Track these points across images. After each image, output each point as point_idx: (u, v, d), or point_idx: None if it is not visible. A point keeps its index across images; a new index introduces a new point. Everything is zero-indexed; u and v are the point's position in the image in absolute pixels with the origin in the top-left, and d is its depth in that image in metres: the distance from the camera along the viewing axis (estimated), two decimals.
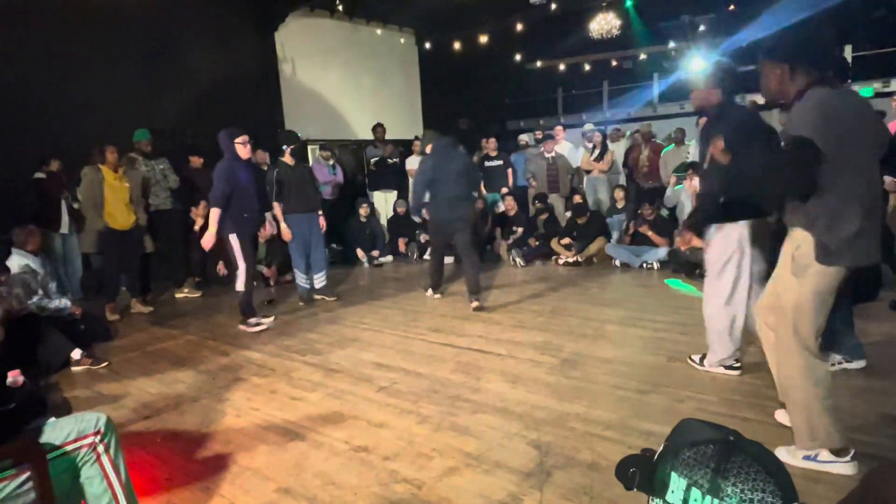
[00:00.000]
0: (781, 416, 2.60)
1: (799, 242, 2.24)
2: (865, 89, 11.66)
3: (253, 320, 4.91)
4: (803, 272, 2.23)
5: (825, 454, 2.27)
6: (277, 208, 5.56)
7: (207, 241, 4.73)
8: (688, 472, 0.87)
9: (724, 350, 3.30)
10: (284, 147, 5.67)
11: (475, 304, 5.19)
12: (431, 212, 5.48)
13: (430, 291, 5.90)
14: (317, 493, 2.33)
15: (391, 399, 3.27)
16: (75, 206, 6.02)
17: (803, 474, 2.24)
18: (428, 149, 5.57)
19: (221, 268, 6.66)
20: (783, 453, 2.33)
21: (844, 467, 2.25)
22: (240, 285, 4.88)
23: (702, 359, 3.45)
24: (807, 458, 2.29)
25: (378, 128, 8.93)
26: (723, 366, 3.35)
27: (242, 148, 4.83)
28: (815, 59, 2.19)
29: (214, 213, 4.71)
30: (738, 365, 3.33)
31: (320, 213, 5.80)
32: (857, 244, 2.14)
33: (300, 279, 5.79)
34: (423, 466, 2.49)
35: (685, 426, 0.94)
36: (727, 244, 3.14)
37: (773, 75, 2.26)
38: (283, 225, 5.57)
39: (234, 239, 4.80)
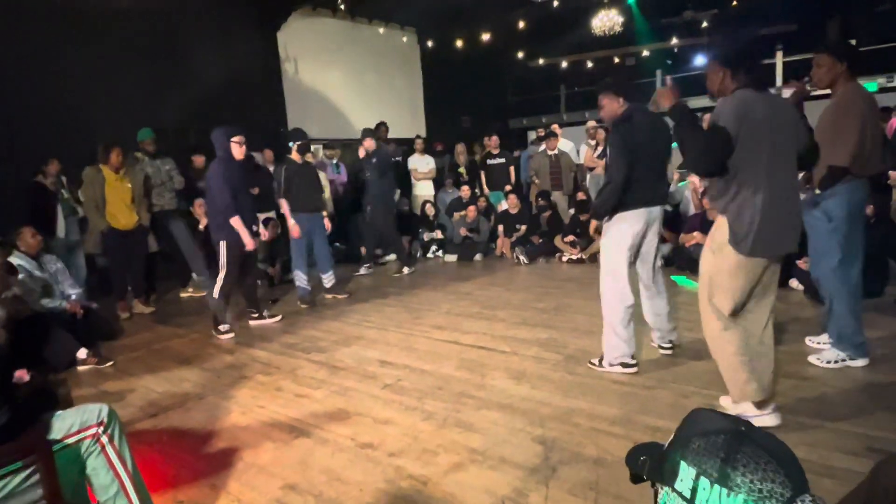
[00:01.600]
0: (725, 401, 2.79)
1: (719, 224, 2.56)
2: (870, 84, 11.59)
3: (223, 327, 4.77)
4: (719, 250, 2.54)
5: (750, 408, 2.58)
6: (284, 205, 5.57)
7: (249, 243, 4.76)
8: (697, 461, 0.86)
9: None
10: (291, 144, 5.66)
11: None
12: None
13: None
14: (323, 490, 2.33)
15: (396, 396, 3.27)
16: (78, 208, 6.04)
17: (811, 468, 2.23)
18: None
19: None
20: (726, 401, 2.75)
21: (768, 419, 2.56)
22: (214, 291, 4.78)
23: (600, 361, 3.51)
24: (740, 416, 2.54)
25: (381, 127, 8.90)
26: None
27: (238, 148, 4.71)
28: (749, 68, 2.52)
29: (236, 222, 4.65)
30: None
31: (325, 213, 5.82)
32: (759, 235, 2.41)
33: (301, 280, 5.72)
34: (429, 462, 2.49)
35: (696, 416, 0.94)
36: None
37: (716, 76, 2.59)
38: (290, 221, 5.57)
39: (222, 245, 4.73)
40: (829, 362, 3.28)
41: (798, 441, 2.41)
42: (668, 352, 3.64)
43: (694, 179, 6.72)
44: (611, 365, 3.41)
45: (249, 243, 4.75)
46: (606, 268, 3.39)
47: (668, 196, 7.36)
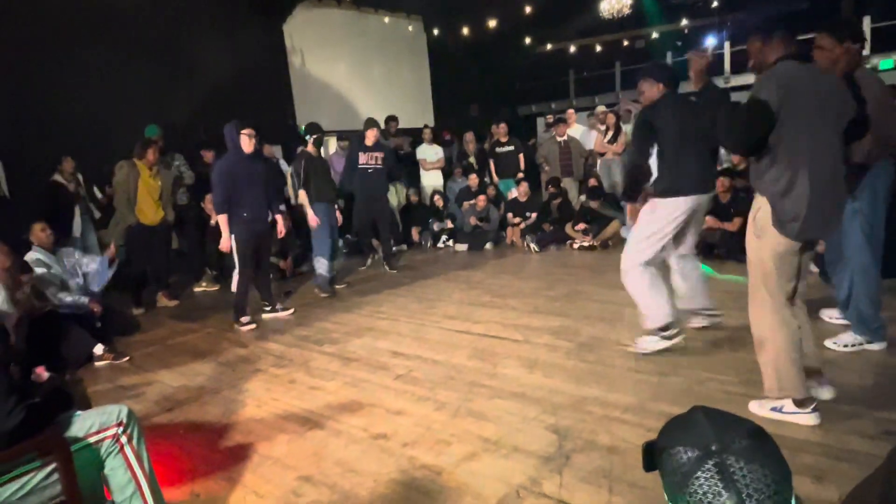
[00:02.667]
0: (755, 406, 2.60)
1: (759, 206, 2.42)
2: (886, 61, 11.36)
3: (244, 319, 4.83)
4: (762, 234, 2.41)
5: (789, 405, 2.45)
6: (304, 196, 5.63)
7: (225, 244, 4.75)
8: (665, 472, 0.85)
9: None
10: (308, 137, 5.74)
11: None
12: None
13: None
14: (337, 481, 2.35)
15: (408, 386, 3.28)
16: (99, 195, 6.13)
17: (828, 452, 2.22)
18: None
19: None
20: (754, 406, 2.58)
21: (807, 418, 2.42)
22: (234, 286, 4.91)
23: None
24: (774, 409, 2.49)
25: (390, 122, 8.81)
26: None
27: (247, 140, 4.69)
28: (782, 35, 2.42)
29: (222, 220, 4.68)
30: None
31: (336, 205, 5.87)
32: (807, 217, 2.29)
33: (323, 268, 5.76)
34: (442, 452, 2.50)
35: (686, 417, 0.90)
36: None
37: (753, 48, 2.54)
38: (310, 212, 5.63)
39: (231, 241, 4.74)
40: (846, 346, 3.24)
41: (814, 425, 2.40)
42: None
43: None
44: (654, 334, 3.42)
45: (225, 245, 4.74)
46: (634, 245, 3.41)
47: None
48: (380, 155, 6.52)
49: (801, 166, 2.27)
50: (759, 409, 2.55)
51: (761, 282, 2.45)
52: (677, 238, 3.43)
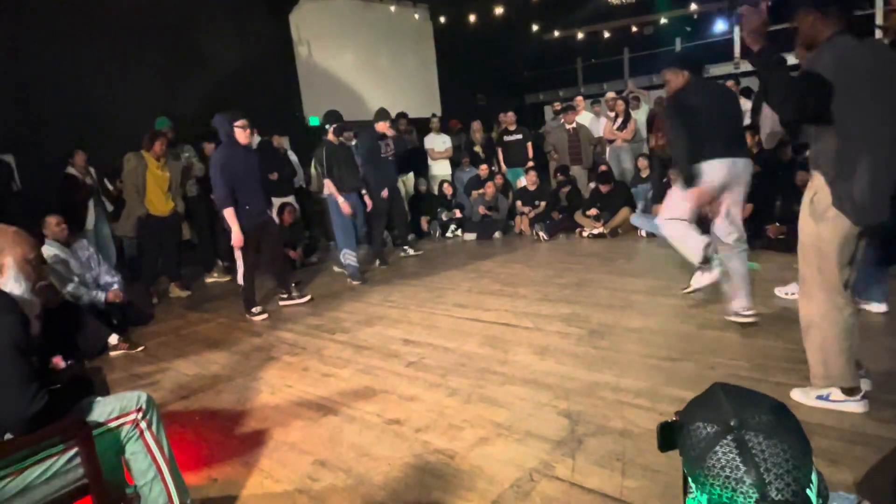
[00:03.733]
0: (797, 394, 2.53)
1: (817, 188, 2.30)
2: None
3: (255, 310, 4.86)
4: (821, 217, 2.28)
5: (837, 393, 2.39)
6: (330, 185, 5.66)
7: (237, 240, 4.66)
8: (683, 447, 0.85)
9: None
10: (328, 126, 5.74)
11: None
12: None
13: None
14: (352, 465, 2.38)
15: (420, 373, 3.30)
16: (110, 187, 6.18)
17: (842, 436, 2.22)
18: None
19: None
20: (798, 394, 2.51)
21: (855, 406, 2.37)
22: (239, 279, 4.89)
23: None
24: (819, 397, 2.44)
25: (400, 119, 8.73)
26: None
27: (242, 132, 4.63)
28: (840, 7, 2.23)
29: (229, 214, 4.58)
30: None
31: (364, 191, 5.90)
32: (871, 200, 2.18)
33: (351, 259, 5.76)
34: (455, 437, 2.52)
35: (706, 395, 0.90)
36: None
37: (805, 23, 2.31)
38: (340, 200, 5.65)
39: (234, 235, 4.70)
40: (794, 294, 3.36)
41: (829, 408, 2.39)
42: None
43: None
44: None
45: (238, 239, 4.65)
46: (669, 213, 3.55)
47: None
48: (391, 144, 6.54)
49: (863, 148, 2.16)
50: (803, 398, 2.48)
51: (815, 267, 2.34)
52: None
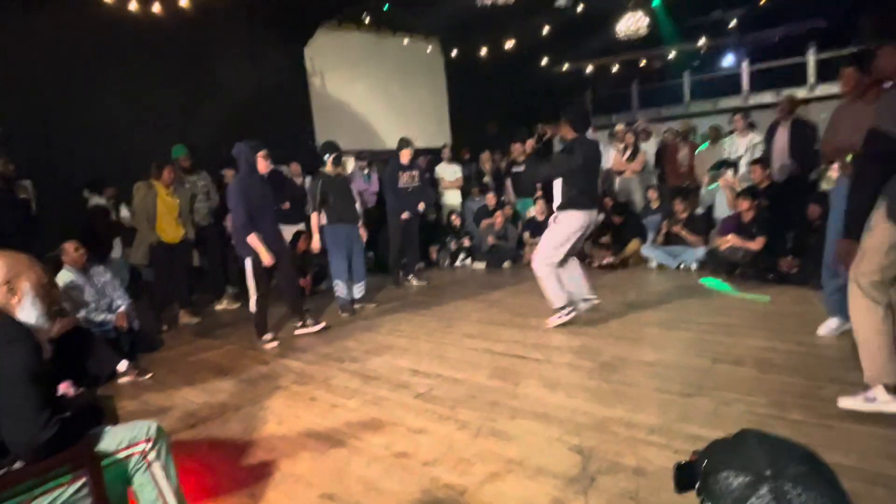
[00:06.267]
0: (844, 401, 2.67)
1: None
2: None
3: (267, 336, 4.88)
4: (872, 226, 2.47)
5: (881, 393, 2.52)
6: (315, 219, 5.64)
7: (267, 260, 4.71)
8: (712, 496, 0.82)
9: None
10: (326, 157, 5.69)
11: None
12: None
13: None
14: (360, 499, 2.34)
15: (429, 405, 3.27)
16: (123, 217, 6.25)
17: (863, 476, 2.15)
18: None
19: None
20: (847, 401, 2.63)
21: None
22: (251, 306, 4.90)
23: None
24: (867, 399, 2.58)
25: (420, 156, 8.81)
26: None
27: (263, 162, 4.74)
28: None
29: (252, 240, 4.65)
30: None
31: (360, 224, 5.86)
32: None
33: (341, 290, 5.74)
34: (465, 472, 2.48)
35: (737, 441, 0.88)
36: None
37: (885, 54, 2.46)
38: (315, 237, 5.65)
39: (247, 263, 4.77)
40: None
41: (848, 448, 2.34)
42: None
43: (728, 178, 6.58)
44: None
45: (267, 260, 4.72)
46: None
47: (699, 198, 7.26)
48: (416, 174, 6.58)
49: None
50: (853, 404, 2.62)
51: (856, 267, 2.52)
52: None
